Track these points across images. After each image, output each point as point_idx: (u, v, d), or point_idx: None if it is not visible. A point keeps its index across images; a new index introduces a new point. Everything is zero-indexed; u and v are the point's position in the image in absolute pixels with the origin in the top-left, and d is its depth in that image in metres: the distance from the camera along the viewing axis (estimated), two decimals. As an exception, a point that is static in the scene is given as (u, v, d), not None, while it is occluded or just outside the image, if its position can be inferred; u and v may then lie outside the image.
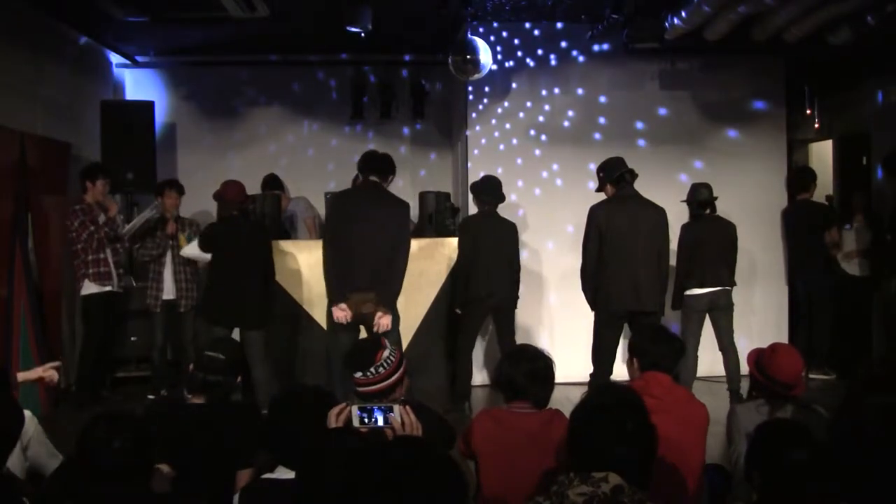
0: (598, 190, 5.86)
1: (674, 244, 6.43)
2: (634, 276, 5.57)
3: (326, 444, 2.25)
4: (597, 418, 2.19)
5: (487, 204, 6.41)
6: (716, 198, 6.45)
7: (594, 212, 5.70)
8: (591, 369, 5.80)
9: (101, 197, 6.63)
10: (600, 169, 5.84)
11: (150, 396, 6.71)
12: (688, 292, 6.34)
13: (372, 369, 3.07)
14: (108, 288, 6.58)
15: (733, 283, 6.38)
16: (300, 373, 6.89)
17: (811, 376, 7.23)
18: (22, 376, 3.75)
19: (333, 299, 5.28)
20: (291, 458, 2.52)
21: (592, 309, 5.83)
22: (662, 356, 3.32)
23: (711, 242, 6.32)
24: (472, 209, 7.45)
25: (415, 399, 3.34)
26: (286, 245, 6.95)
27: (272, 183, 7.90)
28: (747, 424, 3.23)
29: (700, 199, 6.42)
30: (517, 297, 6.44)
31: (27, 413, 3.25)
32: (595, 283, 5.69)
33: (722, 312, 6.32)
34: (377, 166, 5.48)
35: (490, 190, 6.44)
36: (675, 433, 2.85)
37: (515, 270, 6.41)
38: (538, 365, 3.10)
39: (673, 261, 6.35)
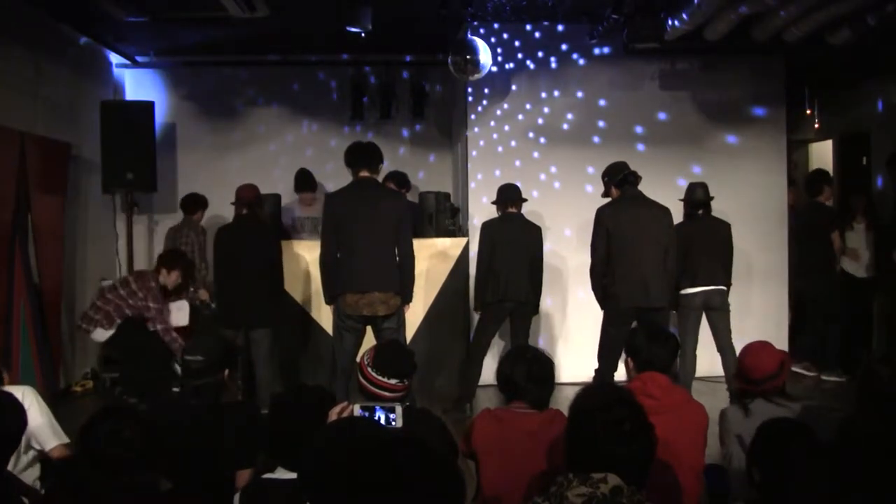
0: (605, 195, 5.94)
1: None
2: (642, 274, 5.64)
3: (327, 438, 2.22)
4: (595, 419, 2.18)
5: (505, 206, 6.37)
6: (712, 198, 6.43)
7: (601, 213, 5.80)
8: (593, 370, 5.83)
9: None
10: (604, 174, 5.93)
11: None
12: (682, 291, 6.34)
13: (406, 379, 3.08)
14: None
15: (728, 283, 6.37)
16: (305, 374, 6.88)
17: (823, 378, 7.23)
18: None
19: (333, 299, 5.28)
20: (292, 459, 2.52)
21: (602, 307, 5.87)
22: (657, 355, 3.32)
23: (703, 241, 6.31)
24: (472, 210, 7.48)
25: (416, 404, 3.34)
26: (286, 245, 6.94)
27: (308, 181, 7.83)
28: (735, 427, 3.26)
29: (694, 199, 6.41)
30: (537, 302, 6.39)
31: (28, 388, 3.31)
32: (604, 281, 5.75)
33: (717, 313, 6.30)
34: (366, 161, 5.40)
35: (499, 192, 6.43)
36: (674, 434, 2.86)
37: (537, 274, 6.34)
38: (537, 366, 3.11)
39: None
